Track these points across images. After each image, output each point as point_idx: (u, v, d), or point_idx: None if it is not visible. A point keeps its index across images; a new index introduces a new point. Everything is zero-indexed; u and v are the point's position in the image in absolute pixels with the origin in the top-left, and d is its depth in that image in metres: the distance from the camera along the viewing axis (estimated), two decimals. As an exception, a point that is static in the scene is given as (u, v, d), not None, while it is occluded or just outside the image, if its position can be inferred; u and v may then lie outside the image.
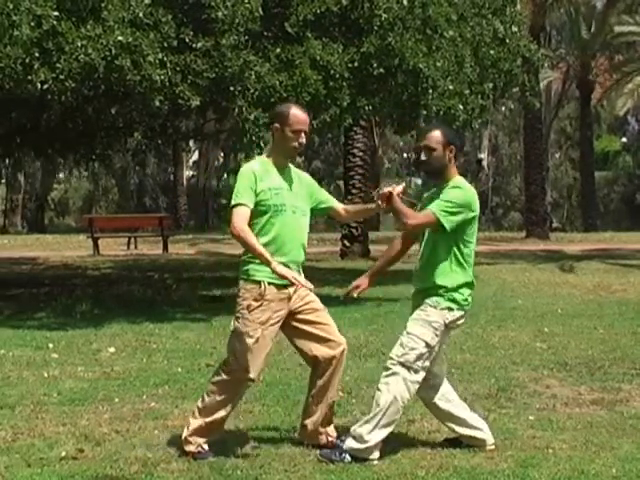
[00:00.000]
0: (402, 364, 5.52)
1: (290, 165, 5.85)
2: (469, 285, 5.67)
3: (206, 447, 5.61)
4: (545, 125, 39.35)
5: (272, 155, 5.76)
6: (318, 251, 26.00)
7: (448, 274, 5.59)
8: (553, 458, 5.56)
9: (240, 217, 5.51)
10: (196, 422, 5.66)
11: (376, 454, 5.51)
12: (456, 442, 5.82)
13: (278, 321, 5.60)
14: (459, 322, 5.69)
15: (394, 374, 5.52)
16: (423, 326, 5.56)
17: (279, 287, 5.54)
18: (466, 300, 5.66)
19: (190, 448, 5.60)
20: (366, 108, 12.99)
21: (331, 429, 5.86)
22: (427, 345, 5.54)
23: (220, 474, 5.28)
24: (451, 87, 13.05)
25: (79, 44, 10.62)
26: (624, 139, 59.86)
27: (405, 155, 61.83)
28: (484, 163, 47.38)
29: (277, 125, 5.68)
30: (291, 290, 5.59)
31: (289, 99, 11.87)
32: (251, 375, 5.56)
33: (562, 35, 47.67)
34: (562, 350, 9.57)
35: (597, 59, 44.12)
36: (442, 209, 5.53)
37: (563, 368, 8.53)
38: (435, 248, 5.64)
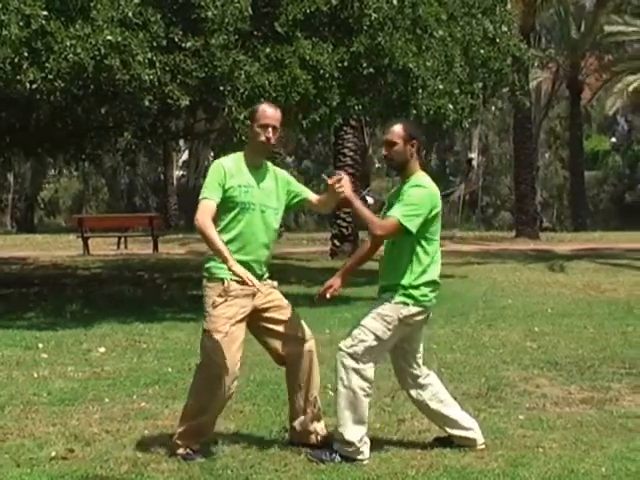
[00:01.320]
0: (351, 355, 5.54)
1: (268, 163, 5.86)
2: (431, 283, 5.63)
3: (194, 448, 5.59)
4: (535, 125, 39.45)
5: (245, 153, 5.78)
6: (308, 251, 26.02)
7: (408, 273, 5.58)
8: (543, 457, 5.57)
9: (205, 211, 5.55)
10: (182, 426, 5.65)
11: (366, 454, 5.51)
12: (446, 441, 5.83)
13: (244, 317, 5.60)
14: (417, 318, 5.63)
15: (345, 368, 5.54)
16: (375, 319, 5.57)
17: (242, 283, 5.52)
18: (426, 296, 5.61)
19: (179, 451, 5.59)
20: (356, 108, 13.00)
21: (321, 426, 5.85)
22: (377, 338, 5.54)
23: (210, 474, 5.28)
24: (441, 87, 13.06)
25: (68, 44, 10.60)
26: (613, 139, 59.98)
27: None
28: (474, 163, 47.41)
29: (249, 122, 5.79)
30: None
31: (279, 99, 11.87)
32: (227, 370, 5.49)
33: (552, 35, 47.74)
34: (552, 349, 9.58)
35: (587, 59, 44.24)
36: (404, 214, 5.53)
37: (553, 367, 8.54)
38: (396, 247, 5.66)
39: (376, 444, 5.70)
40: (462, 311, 12.60)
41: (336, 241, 23.54)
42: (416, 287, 5.57)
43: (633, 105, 51.76)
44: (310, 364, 5.81)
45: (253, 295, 5.62)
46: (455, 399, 6.06)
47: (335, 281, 5.90)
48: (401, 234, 5.54)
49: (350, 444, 5.50)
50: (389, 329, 5.55)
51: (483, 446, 5.76)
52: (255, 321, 5.70)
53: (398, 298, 5.57)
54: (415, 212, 5.53)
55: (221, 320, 5.51)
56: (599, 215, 54.61)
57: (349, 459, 5.48)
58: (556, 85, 46.52)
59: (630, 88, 39.17)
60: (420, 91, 12.78)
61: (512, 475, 5.23)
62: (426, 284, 5.61)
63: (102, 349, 9.69)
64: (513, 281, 16.99)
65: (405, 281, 5.58)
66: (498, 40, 14.29)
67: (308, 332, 5.85)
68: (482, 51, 13.99)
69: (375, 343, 5.54)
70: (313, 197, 6.02)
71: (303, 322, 5.86)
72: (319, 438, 5.78)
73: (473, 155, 47.23)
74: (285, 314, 5.77)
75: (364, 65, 12.33)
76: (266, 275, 5.80)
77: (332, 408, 6.59)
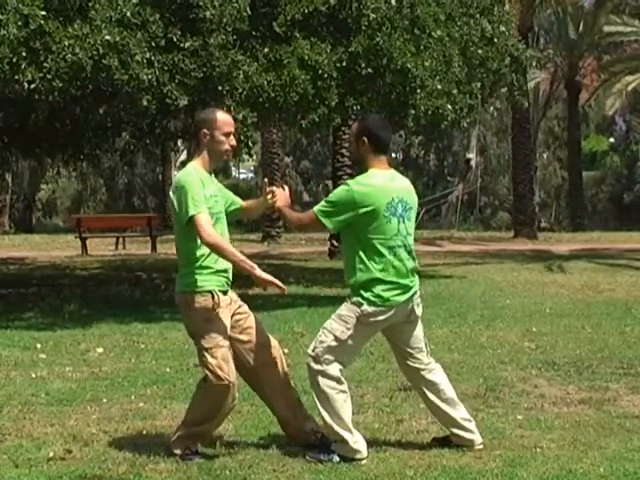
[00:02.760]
0: (313, 358, 5.58)
1: None
2: (381, 282, 5.53)
3: (193, 449, 5.60)
4: (533, 125, 39.41)
5: (203, 162, 5.67)
6: (306, 251, 26.01)
7: (353, 272, 5.58)
8: (541, 457, 5.57)
9: (209, 225, 5.43)
10: (182, 430, 5.65)
11: (364, 453, 5.51)
12: (445, 441, 5.83)
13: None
14: (377, 318, 5.56)
15: (310, 371, 5.60)
16: (335, 320, 5.61)
17: (224, 294, 5.56)
18: (379, 297, 5.53)
19: (177, 450, 5.59)
20: (354, 108, 13.00)
21: (314, 424, 5.85)
22: (336, 339, 5.55)
23: (208, 474, 5.28)
24: (439, 87, 13.07)
25: (66, 43, 10.60)
26: (612, 139, 59.96)
27: (393, 155, 61.87)
28: (472, 163, 47.38)
29: (205, 131, 5.62)
30: (230, 294, 5.63)
31: (277, 99, 11.88)
32: (233, 381, 5.51)
33: (550, 36, 47.74)
34: (550, 350, 9.58)
35: (585, 59, 44.25)
36: (320, 209, 5.61)
37: (551, 367, 8.54)
38: (343, 245, 5.71)
39: (374, 444, 5.71)
40: (460, 311, 12.60)
41: (334, 241, 23.50)
42: (364, 287, 5.55)
43: (631, 105, 51.81)
44: (283, 368, 5.82)
45: (230, 303, 5.63)
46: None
47: None
48: (345, 234, 5.62)
49: (343, 440, 5.50)
50: (348, 328, 5.54)
51: (481, 446, 5.76)
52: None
53: (353, 298, 5.59)
54: (329, 209, 5.59)
55: (220, 334, 5.49)
56: (597, 215, 54.60)
57: (347, 459, 5.48)
58: (554, 85, 46.52)
59: (629, 88, 39.21)
60: (418, 91, 12.80)
61: (510, 475, 5.24)
62: (375, 284, 5.53)
63: (100, 349, 9.69)
64: (511, 281, 16.98)
65: (352, 280, 5.60)
66: (496, 40, 14.31)
67: (271, 338, 5.85)
68: (480, 51, 14.01)
69: (335, 343, 5.55)
70: (244, 205, 6.01)
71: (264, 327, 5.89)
72: (318, 436, 5.77)
73: (471, 155, 47.19)
74: (250, 322, 5.76)
75: (362, 65, 12.34)
76: None
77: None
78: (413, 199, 5.78)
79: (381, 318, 5.59)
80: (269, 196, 5.81)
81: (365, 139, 5.67)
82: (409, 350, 5.80)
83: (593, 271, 18.85)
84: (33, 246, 28.64)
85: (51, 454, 5.67)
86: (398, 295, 5.60)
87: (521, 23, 27.66)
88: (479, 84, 14.42)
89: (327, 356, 5.55)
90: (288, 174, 49.69)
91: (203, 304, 5.49)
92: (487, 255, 24.04)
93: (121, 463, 5.48)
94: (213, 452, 5.66)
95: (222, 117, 5.69)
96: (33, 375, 8.28)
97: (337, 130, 22.37)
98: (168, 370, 8.49)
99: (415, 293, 5.71)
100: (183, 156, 56.04)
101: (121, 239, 27.34)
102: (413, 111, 13.08)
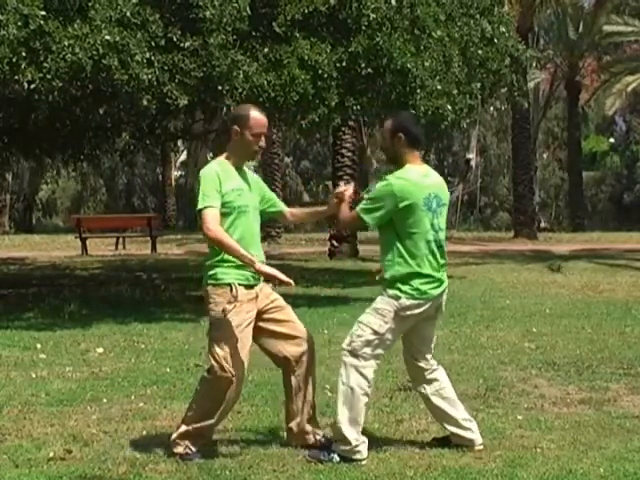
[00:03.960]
0: (350, 352, 5.58)
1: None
2: (420, 276, 5.58)
3: (194, 449, 5.60)
4: (533, 125, 39.45)
5: (231, 157, 5.71)
6: (306, 251, 26.04)
7: (391, 265, 5.61)
8: (541, 458, 5.57)
9: (213, 219, 5.47)
10: (184, 428, 5.65)
11: (364, 453, 5.51)
12: (445, 441, 5.83)
13: (251, 322, 5.59)
14: (414, 311, 5.59)
15: (345, 365, 5.58)
16: (371, 314, 5.62)
17: (247, 287, 5.55)
18: (417, 290, 5.57)
19: (178, 449, 5.59)
20: (354, 108, 13.00)
21: (316, 425, 5.85)
22: (375, 332, 5.56)
23: (209, 474, 5.28)
24: (439, 87, 13.07)
25: (66, 43, 10.60)
26: (612, 139, 59.98)
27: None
28: (472, 163, 47.39)
29: (237, 128, 5.64)
30: (257, 289, 5.62)
31: (277, 99, 11.88)
32: (237, 376, 5.53)
33: (550, 36, 47.77)
34: (550, 350, 9.58)
35: (585, 59, 44.29)
36: (362, 207, 5.66)
37: (551, 368, 8.54)
38: (381, 240, 5.74)
39: (374, 444, 5.70)
40: (460, 311, 12.60)
41: (334, 241, 23.54)
42: (402, 280, 5.57)
43: (631, 105, 51.83)
44: (310, 365, 5.80)
45: (256, 298, 5.62)
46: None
47: None
48: (384, 229, 5.65)
49: (347, 442, 5.50)
50: (385, 322, 5.56)
51: (481, 446, 5.76)
52: (258, 323, 5.67)
53: (390, 291, 5.60)
54: (369, 206, 5.63)
55: (232, 327, 5.49)
56: (597, 215, 54.65)
57: (347, 459, 5.48)
58: (554, 86, 46.57)
59: (629, 88, 39.26)
60: (418, 91, 12.79)
61: (510, 475, 5.23)
62: (413, 277, 5.57)
63: (100, 349, 9.69)
64: (511, 281, 17.00)
65: (389, 274, 5.62)
66: (496, 40, 14.31)
67: (306, 332, 5.85)
68: (480, 51, 14.01)
69: (372, 337, 5.56)
70: (287, 210, 6.08)
71: (300, 323, 5.86)
72: (317, 437, 5.77)
73: (471, 156, 47.19)
74: (285, 314, 5.77)
75: (362, 65, 12.33)
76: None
77: (331, 409, 6.61)
78: (446, 195, 5.86)
79: (417, 311, 5.62)
80: (341, 189, 5.82)
81: (402, 135, 5.70)
82: (421, 348, 5.81)
83: (593, 271, 18.87)
84: (33, 246, 28.66)
85: (51, 454, 5.67)
86: (434, 288, 5.65)
87: (521, 23, 27.68)
88: (479, 84, 14.42)
89: (365, 350, 5.56)
90: (288, 174, 49.66)
91: (222, 296, 5.52)
92: (487, 255, 24.06)
93: (121, 463, 5.48)
94: (213, 452, 5.66)
95: (255, 117, 5.66)
96: (33, 375, 8.28)
97: (337, 130, 22.38)
98: (168, 370, 8.49)
99: (446, 288, 5.77)
100: (183, 156, 56.10)
101: (121, 239, 27.38)
102: (413, 111, 13.06)
